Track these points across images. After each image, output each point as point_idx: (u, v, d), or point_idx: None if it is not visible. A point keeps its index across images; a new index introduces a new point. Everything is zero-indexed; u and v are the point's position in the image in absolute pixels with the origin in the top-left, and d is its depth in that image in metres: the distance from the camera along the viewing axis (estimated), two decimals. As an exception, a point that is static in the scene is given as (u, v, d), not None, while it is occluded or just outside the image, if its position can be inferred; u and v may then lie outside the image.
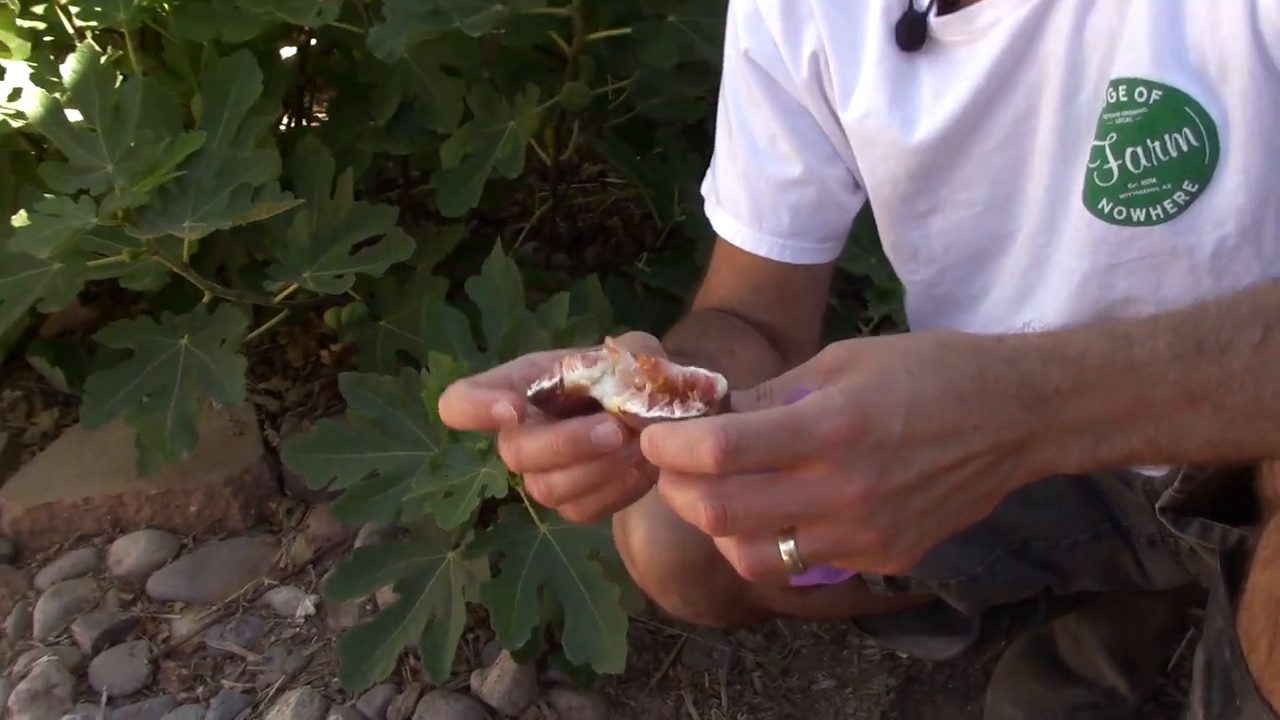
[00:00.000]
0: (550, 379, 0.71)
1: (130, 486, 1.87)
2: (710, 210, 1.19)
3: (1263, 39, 0.87)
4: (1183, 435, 0.69)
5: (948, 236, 1.10)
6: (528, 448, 0.71)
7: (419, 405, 1.49)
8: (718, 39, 1.15)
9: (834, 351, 0.70)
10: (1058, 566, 1.25)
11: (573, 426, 0.70)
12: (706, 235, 1.19)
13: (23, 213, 1.52)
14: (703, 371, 0.69)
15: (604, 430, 0.69)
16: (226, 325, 1.72)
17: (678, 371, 0.69)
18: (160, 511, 1.89)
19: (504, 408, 0.70)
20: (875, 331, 1.85)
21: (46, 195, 1.55)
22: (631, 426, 0.69)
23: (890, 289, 1.75)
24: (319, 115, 2.33)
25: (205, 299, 1.74)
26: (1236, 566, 0.92)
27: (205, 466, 1.89)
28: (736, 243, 1.16)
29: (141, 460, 1.76)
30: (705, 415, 0.67)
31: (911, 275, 1.16)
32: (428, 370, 1.43)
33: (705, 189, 1.21)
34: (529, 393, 0.71)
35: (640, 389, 0.69)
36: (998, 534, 1.22)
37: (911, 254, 1.14)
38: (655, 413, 0.67)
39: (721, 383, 0.68)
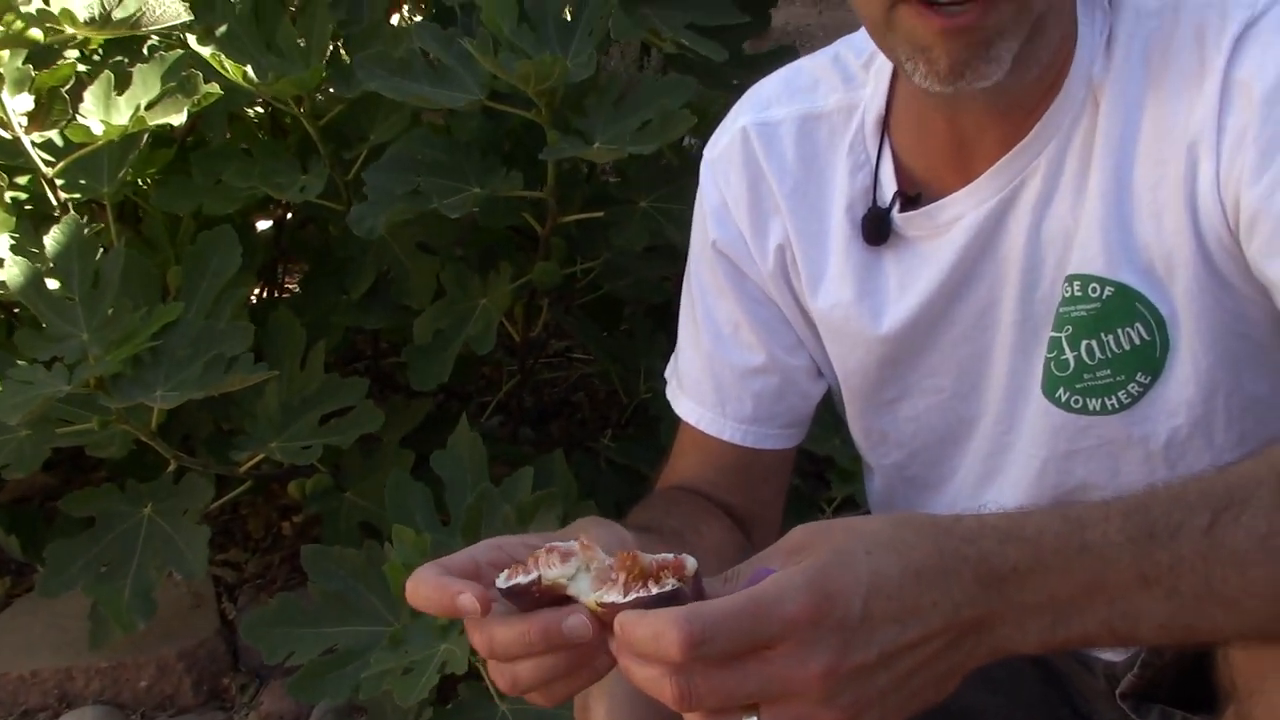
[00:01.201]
0: (526, 575, 0.71)
1: (80, 659, 1.83)
2: (671, 394, 1.21)
3: (1205, 241, 0.92)
4: (1138, 618, 0.71)
5: (917, 421, 1.12)
6: (501, 637, 0.71)
7: (381, 579, 1.48)
8: (685, 224, 1.18)
9: (797, 534, 0.72)
10: (1017, 755, 1.24)
11: (545, 618, 0.70)
12: (671, 413, 1.21)
13: (-7, 379, 1.52)
14: (670, 555, 0.70)
15: (574, 622, 0.70)
16: (190, 495, 1.71)
17: (650, 560, 0.70)
18: (110, 686, 1.84)
19: (469, 600, 0.71)
20: (838, 511, 1.86)
21: (19, 362, 1.56)
22: (606, 619, 0.70)
23: (853, 470, 1.76)
24: (290, 287, 2.36)
25: (170, 468, 1.73)
26: (1199, 755, 0.93)
27: (158, 639, 1.85)
28: (700, 427, 1.17)
29: (95, 632, 1.72)
30: (679, 590, 0.68)
31: (882, 459, 1.18)
32: (391, 544, 1.42)
33: (668, 373, 1.23)
34: (502, 585, 0.72)
35: (615, 582, 0.70)
36: (958, 718, 1.21)
37: (881, 439, 1.16)
38: (632, 596, 0.68)
39: (690, 561, 0.70)
